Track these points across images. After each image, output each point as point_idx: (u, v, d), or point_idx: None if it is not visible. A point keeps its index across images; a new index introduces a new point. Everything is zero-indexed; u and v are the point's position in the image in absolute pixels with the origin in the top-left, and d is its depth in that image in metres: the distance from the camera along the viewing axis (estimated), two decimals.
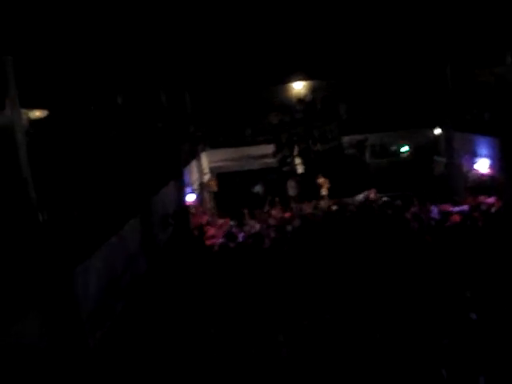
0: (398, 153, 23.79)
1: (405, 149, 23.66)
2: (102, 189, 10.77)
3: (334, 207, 18.49)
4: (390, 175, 22.66)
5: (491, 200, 16.80)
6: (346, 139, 23.28)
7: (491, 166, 17.81)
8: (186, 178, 18.30)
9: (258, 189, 23.95)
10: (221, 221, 18.92)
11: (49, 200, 7.43)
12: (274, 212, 18.73)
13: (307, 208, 19.04)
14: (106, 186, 11.06)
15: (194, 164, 21.58)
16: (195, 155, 21.92)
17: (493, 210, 16.07)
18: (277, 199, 19.76)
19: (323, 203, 19.57)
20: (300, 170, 22.83)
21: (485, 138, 18.34)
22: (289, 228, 16.46)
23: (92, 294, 8.80)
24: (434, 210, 16.71)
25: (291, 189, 22.54)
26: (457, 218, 15.78)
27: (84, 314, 8.06)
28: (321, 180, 21.42)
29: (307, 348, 9.27)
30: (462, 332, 9.31)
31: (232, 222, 18.27)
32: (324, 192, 21.23)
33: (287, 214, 18.30)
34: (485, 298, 10.35)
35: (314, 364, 8.85)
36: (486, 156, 18.14)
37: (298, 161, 22.74)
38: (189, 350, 9.43)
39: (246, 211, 18.63)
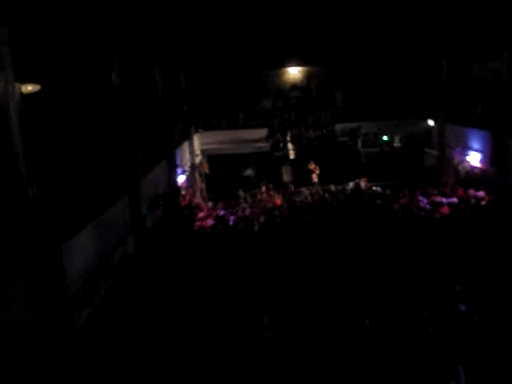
0: (390, 142, 23.78)
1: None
2: (92, 166, 10.71)
3: (326, 195, 18.47)
4: (381, 164, 22.73)
5: (481, 194, 16.87)
6: (339, 127, 23.26)
7: (482, 160, 17.86)
8: (178, 159, 18.25)
9: (249, 172, 23.92)
10: (211, 203, 18.92)
11: (39, 175, 7.36)
12: (265, 197, 18.72)
13: (299, 194, 19.08)
14: (96, 164, 11.00)
15: (186, 145, 21.52)
16: (188, 136, 21.85)
17: (482, 203, 16.16)
18: (269, 185, 19.73)
19: (314, 190, 19.54)
20: (292, 155, 22.81)
21: (477, 132, 18.38)
22: (276, 213, 16.48)
23: (79, 271, 8.79)
24: (424, 201, 16.77)
25: (286, 174, 22.51)
26: (446, 209, 15.87)
27: (71, 290, 8.05)
28: (312, 166, 21.39)
29: (292, 331, 9.31)
30: (450, 322, 9.39)
31: (222, 205, 18.30)
32: (315, 179, 21.22)
33: (278, 200, 18.30)
34: (474, 291, 10.42)
35: (299, 347, 8.90)
36: (477, 150, 18.19)
37: (290, 146, 22.71)
38: (174, 332, 9.43)
39: (240, 194, 18.66)
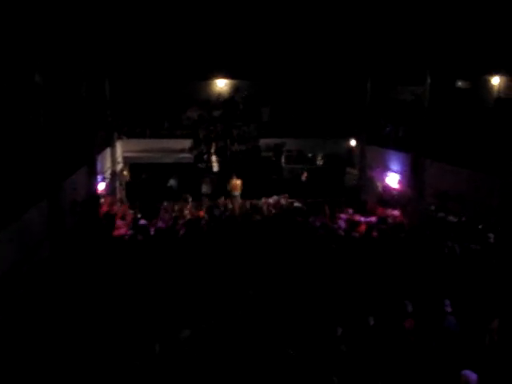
0: (313, 160, 24.22)
1: (320, 156, 24.12)
2: (8, 171, 10.31)
3: (248, 207, 18.54)
4: (303, 181, 23.11)
5: (396, 212, 17.48)
6: (263, 142, 23.47)
7: (400, 181, 18.52)
8: (99, 166, 17.84)
9: (172, 183, 23.69)
10: (131, 212, 18.58)
11: None
12: (186, 208, 18.56)
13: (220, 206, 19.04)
14: (13, 168, 10.60)
15: (107, 152, 21.11)
16: (110, 143, 21.44)
17: (396, 221, 16.73)
18: (188, 195, 19.53)
19: (236, 203, 19.55)
20: (216, 168, 22.79)
21: (396, 154, 19.05)
22: (197, 224, 16.42)
23: None
24: (342, 219, 17.14)
25: (205, 186, 22.46)
26: (363, 227, 16.29)
27: None
28: (234, 181, 21.44)
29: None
30: (362, 338, 9.58)
31: (140, 215, 17.99)
32: (236, 193, 21.23)
33: (200, 212, 18.20)
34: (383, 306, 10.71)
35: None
36: (396, 171, 18.84)
37: (214, 158, 22.68)
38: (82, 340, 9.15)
39: (164, 204, 18.44)
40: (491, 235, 13.52)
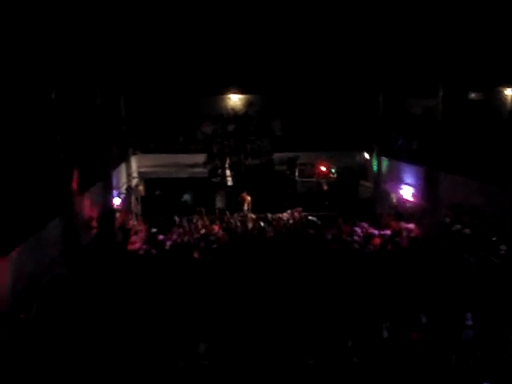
0: (327, 173, 24.18)
1: (334, 170, 24.10)
2: (25, 186, 10.45)
3: (262, 224, 18.54)
4: (317, 195, 23.09)
5: (411, 226, 17.41)
6: (277, 155, 23.51)
7: (414, 194, 18.47)
8: (114, 181, 18.01)
9: (186, 197, 23.79)
10: (146, 226, 18.68)
11: None
12: (201, 223, 18.61)
13: (235, 222, 19.05)
14: (29, 184, 10.75)
15: (123, 167, 21.27)
16: (125, 158, 21.62)
17: (411, 235, 16.67)
18: (202, 209, 19.57)
19: (250, 218, 19.54)
20: (230, 182, 22.85)
21: (410, 167, 19.02)
22: (212, 238, 16.48)
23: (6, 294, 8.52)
24: (358, 232, 17.12)
25: (219, 201, 22.53)
26: (378, 241, 16.27)
27: None
28: (244, 196, 21.55)
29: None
30: (376, 352, 9.59)
31: (156, 229, 18.06)
32: (246, 207, 21.29)
33: (216, 227, 18.22)
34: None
35: None
36: (410, 184, 18.80)
37: (228, 173, 22.74)
38: (103, 356, 9.23)
39: (177, 219, 18.48)
40: (503, 247, 13.46)
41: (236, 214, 19.73)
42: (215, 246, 15.99)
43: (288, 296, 11.97)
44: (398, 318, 10.76)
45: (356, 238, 16.62)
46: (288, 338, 10.10)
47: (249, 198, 21.39)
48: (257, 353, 9.51)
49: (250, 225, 18.45)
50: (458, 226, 15.72)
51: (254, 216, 19.24)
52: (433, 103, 17.68)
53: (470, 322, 10.41)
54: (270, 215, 19.41)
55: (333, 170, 24.11)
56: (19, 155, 10.70)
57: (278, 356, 9.43)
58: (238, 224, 18.53)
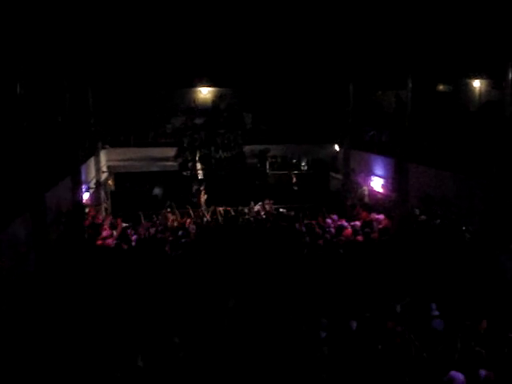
0: (298, 165, 24.30)
1: (304, 162, 24.22)
2: None
3: (232, 213, 18.52)
4: (288, 187, 23.17)
5: (380, 217, 17.57)
6: (248, 148, 23.48)
7: (384, 185, 18.62)
8: (83, 175, 17.75)
9: (157, 191, 23.62)
10: (116, 221, 18.48)
11: None
12: (172, 216, 18.49)
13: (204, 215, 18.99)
14: None
15: (92, 161, 21.02)
16: (94, 152, 21.36)
17: (380, 226, 16.81)
18: (173, 204, 19.44)
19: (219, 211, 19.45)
20: (200, 175, 22.73)
21: (380, 158, 19.16)
22: (180, 233, 16.38)
23: None
24: (330, 224, 17.20)
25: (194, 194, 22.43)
26: (349, 232, 16.37)
27: None
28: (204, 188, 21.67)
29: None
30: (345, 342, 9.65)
31: (127, 224, 17.89)
32: (202, 201, 21.29)
33: (187, 219, 18.15)
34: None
35: None
36: (380, 175, 18.94)
37: (199, 166, 22.63)
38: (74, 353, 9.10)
39: (141, 214, 18.29)
40: (467, 234, 13.71)
41: (205, 207, 19.70)
42: (186, 239, 15.89)
43: (261, 289, 11.96)
44: (373, 308, 10.85)
45: (331, 229, 16.70)
46: (260, 331, 10.09)
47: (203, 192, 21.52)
48: (228, 347, 9.49)
49: (220, 218, 18.39)
50: (424, 217, 15.95)
51: (221, 209, 19.14)
52: (404, 95, 17.81)
53: (435, 313, 10.52)
54: (240, 208, 19.37)
55: (303, 163, 24.22)
56: None
57: (247, 350, 9.41)
58: (208, 218, 18.48)
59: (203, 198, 21.55)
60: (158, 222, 18.14)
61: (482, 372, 8.39)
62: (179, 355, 9.05)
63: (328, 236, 15.99)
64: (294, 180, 23.48)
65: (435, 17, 13.62)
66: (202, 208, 20.32)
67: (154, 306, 11.00)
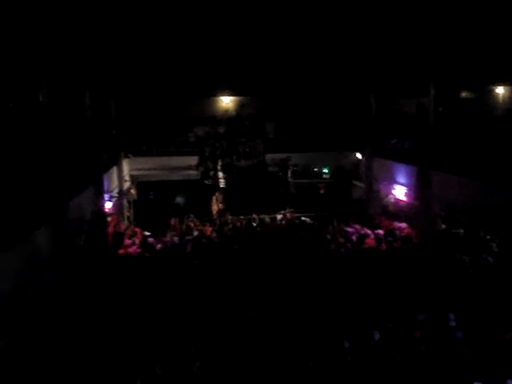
0: (320, 174, 24.20)
1: (326, 170, 24.09)
2: (11, 191, 10.32)
3: (254, 224, 18.46)
4: (310, 195, 23.06)
5: (403, 225, 17.37)
6: (269, 157, 23.45)
7: (407, 193, 18.43)
8: (106, 185, 17.87)
9: (179, 200, 23.69)
10: (138, 230, 18.55)
11: None
12: (193, 225, 18.51)
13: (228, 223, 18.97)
14: (17, 188, 10.61)
15: (114, 170, 21.16)
16: (116, 162, 21.50)
17: (403, 234, 16.62)
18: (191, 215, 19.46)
19: (243, 219, 19.42)
20: (222, 184, 22.76)
21: (403, 166, 18.98)
22: (204, 241, 16.38)
23: None
24: (352, 233, 17.05)
25: (216, 202, 22.44)
26: (371, 241, 16.21)
27: None
28: (214, 200, 21.62)
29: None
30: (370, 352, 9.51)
31: (148, 233, 17.94)
32: (215, 212, 21.29)
33: (207, 229, 18.13)
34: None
35: None
36: (403, 183, 18.76)
37: (220, 175, 22.66)
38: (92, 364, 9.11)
39: (171, 222, 18.34)
40: (494, 244, 13.44)
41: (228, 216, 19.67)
42: (208, 247, 15.87)
43: (282, 298, 11.87)
44: (398, 317, 10.71)
45: (353, 237, 16.57)
46: (283, 340, 10.01)
47: (217, 202, 21.49)
48: (251, 356, 9.43)
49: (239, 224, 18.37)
50: (450, 226, 15.72)
51: (242, 217, 19.11)
52: (426, 102, 17.63)
53: (453, 323, 10.33)
54: (262, 216, 19.32)
55: (326, 171, 24.13)
56: (8, 160, 10.59)
57: (273, 359, 9.34)
58: (230, 226, 18.45)
59: (217, 206, 21.50)
60: (180, 230, 18.13)
61: (510, 382, 8.21)
62: (195, 364, 9.02)
63: (349, 245, 15.84)
64: (322, 191, 23.37)
65: (457, 24, 13.51)
66: (215, 216, 20.29)
67: (174, 313, 10.99)
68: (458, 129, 17.13)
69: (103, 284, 12.44)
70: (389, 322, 10.47)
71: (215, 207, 21.60)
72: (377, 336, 9.97)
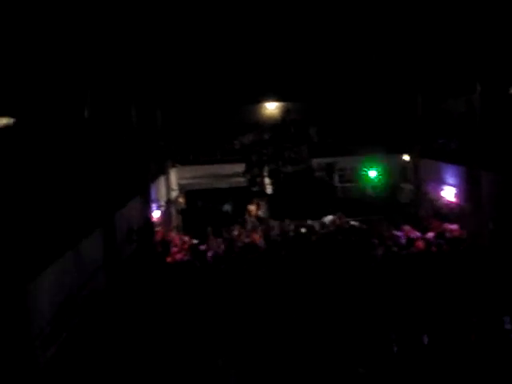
0: (366, 177, 23.93)
1: (374, 173, 23.77)
2: (63, 201, 10.57)
3: (303, 230, 18.38)
4: (357, 199, 22.84)
5: (454, 227, 16.99)
6: (315, 162, 23.35)
7: (457, 195, 18.02)
8: (153, 194, 18.16)
9: (226, 207, 23.84)
10: (186, 238, 18.75)
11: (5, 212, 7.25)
12: (242, 232, 18.57)
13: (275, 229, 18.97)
14: (68, 198, 10.87)
15: (162, 180, 21.47)
16: (164, 171, 21.81)
17: (453, 236, 16.29)
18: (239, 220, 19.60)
19: (291, 225, 19.36)
20: (269, 190, 22.78)
21: (451, 167, 18.58)
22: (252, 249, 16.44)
23: (45, 310, 8.60)
24: (401, 236, 16.82)
25: (254, 208, 22.49)
26: (420, 244, 15.94)
27: (36, 329, 7.86)
28: (252, 207, 21.70)
29: None
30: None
31: (196, 241, 18.09)
32: (252, 217, 21.30)
33: (256, 236, 18.14)
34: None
35: None
36: (452, 184, 18.36)
37: (267, 181, 22.70)
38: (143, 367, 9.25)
39: (210, 230, 18.44)
40: None
41: (273, 222, 19.69)
42: (257, 255, 15.92)
43: (330, 303, 11.81)
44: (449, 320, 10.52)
45: (401, 241, 16.36)
46: (332, 345, 9.97)
47: (253, 208, 21.51)
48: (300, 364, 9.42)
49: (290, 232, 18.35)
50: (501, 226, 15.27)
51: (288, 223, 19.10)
52: (474, 100, 17.20)
53: (508, 326, 10.08)
54: (310, 222, 19.25)
55: (373, 174, 23.85)
56: (59, 172, 10.85)
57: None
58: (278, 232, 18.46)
59: (255, 211, 21.52)
60: (228, 238, 18.23)
61: None
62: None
63: (396, 249, 15.65)
64: (370, 194, 23.20)
65: (503, 18, 13.18)
66: (253, 222, 20.30)
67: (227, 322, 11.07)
68: (507, 126, 16.62)
69: (152, 290, 12.65)
70: (442, 325, 10.32)
71: (253, 213, 21.56)
72: (425, 340, 9.83)
